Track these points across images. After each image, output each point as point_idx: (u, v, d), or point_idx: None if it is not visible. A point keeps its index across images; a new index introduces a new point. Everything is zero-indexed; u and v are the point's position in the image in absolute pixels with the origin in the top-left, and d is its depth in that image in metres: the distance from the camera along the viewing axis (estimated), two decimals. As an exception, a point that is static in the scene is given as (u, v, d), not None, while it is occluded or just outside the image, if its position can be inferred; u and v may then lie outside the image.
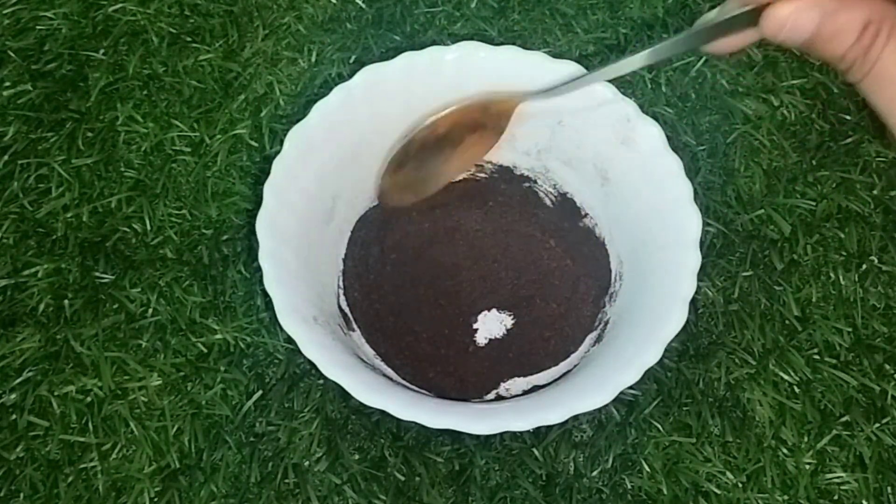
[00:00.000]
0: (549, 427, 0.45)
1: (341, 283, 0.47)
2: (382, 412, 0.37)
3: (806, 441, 0.45)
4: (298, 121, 0.43)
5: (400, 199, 0.48)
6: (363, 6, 0.55)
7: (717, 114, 0.53)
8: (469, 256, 0.49)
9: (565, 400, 0.38)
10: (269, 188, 0.41)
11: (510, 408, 0.40)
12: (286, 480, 0.44)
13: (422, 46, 0.44)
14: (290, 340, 0.46)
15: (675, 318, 0.39)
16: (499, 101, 0.44)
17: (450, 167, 0.47)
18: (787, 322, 0.48)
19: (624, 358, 0.39)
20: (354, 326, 0.47)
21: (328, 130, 0.43)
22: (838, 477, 0.45)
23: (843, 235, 0.50)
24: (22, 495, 0.44)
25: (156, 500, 0.44)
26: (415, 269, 0.49)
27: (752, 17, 0.33)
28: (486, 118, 0.45)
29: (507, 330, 0.47)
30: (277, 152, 0.42)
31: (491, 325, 0.47)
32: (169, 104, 0.53)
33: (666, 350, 0.39)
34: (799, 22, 0.31)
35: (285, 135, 0.42)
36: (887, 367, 0.47)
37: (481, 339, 0.47)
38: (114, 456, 0.45)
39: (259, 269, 0.40)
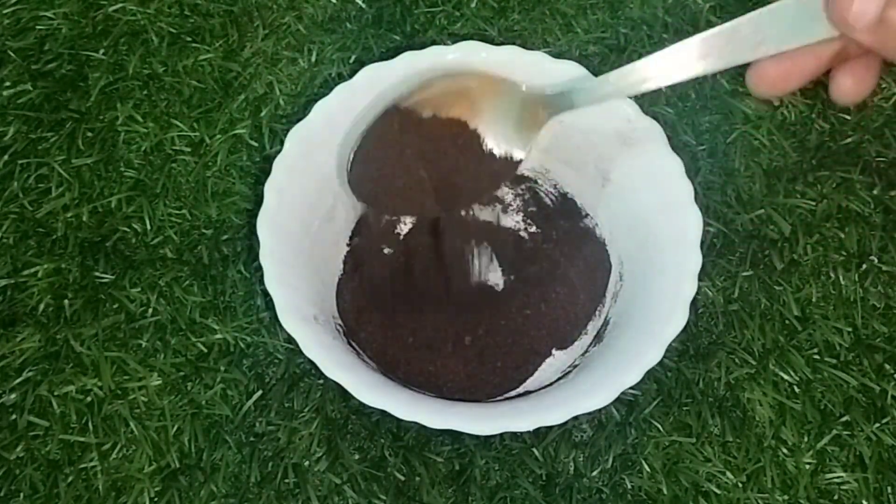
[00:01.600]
0: (549, 427, 0.45)
1: (340, 287, 0.47)
2: (382, 412, 0.37)
3: (806, 441, 0.45)
4: (298, 120, 0.43)
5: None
6: (363, 6, 0.55)
7: (717, 114, 0.53)
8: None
9: (566, 400, 0.38)
10: (269, 187, 0.41)
11: (511, 408, 0.40)
12: (286, 480, 0.44)
13: (422, 46, 0.44)
14: (290, 340, 0.46)
15: (676, 319, 0.39)
16: (528, 100, 0.39)
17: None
18: (787, 322, 0.48)
19: (625, 358, 0.39)
20: (354, 327, 0.46)
21: (329, 130, 0.43)
22: (838, 477, 0.45)
23: (843, 235, 0.50)
24: (22, 495, 0.44)
25: (156, 499, 0.44)
26: (413, 269, 0.49)
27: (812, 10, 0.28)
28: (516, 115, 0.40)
29: (507, 329, 0.47)
30: (277, 152, 0.42)
31: (491, 324, 0.47)
32: (169, 104, 0.53)
33: (666, 350, 0.39)
34: (865, 5, 0.27)
35: (285, 134, 0.42)
36: (887, 367, 0.47)
37: (481, 339, 0.47)
38: (114, 456, 0.45)
39: (259, 268, 0.40)
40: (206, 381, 0.46)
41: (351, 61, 0.54)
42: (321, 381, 0.46)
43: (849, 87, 0.34)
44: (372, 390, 0.37)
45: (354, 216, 0.48)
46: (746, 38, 0.33)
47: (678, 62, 0.35)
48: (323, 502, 0.44)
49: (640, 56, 0.54)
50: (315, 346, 0.38)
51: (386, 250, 0.49)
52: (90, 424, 0.45)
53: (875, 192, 0.51)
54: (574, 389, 0.40)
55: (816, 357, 0.47)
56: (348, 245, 0.48)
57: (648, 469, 0.45)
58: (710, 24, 0.54)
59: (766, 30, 0.32)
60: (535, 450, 0.45)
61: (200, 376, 0.46)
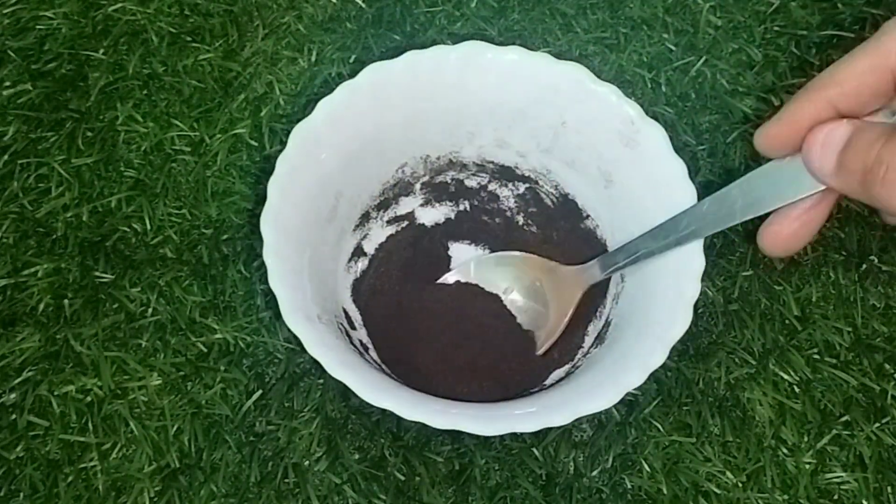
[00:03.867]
0: (550, 427, 0.45)
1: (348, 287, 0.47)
2: (383, 412, 0.37)
3: (806, 441, 0.45)
4: (298, 120, 0.43)
5: None
6: (363, 6, 0.55)
7: (717, 114, 0.53)
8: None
9: (570, 401, 0.38)
10: (273, 185, 0.41)
11: (515, 409, 0.40)
12: (286, 480, 0.44)
13: (422, 46, 0.44)
14: (290, 340, 0.46)
15: (680, 321, 0.39)
16: (565, 273, 0.45)
17: None
18: (787, 322, 0.48)
19: (629, 360, 0.39)
20: (357, 326, 0.46)
21: (332, 128, 0.43)
22: (838, 477, 0.45)
23: (843, 235, 0.50)
24: (22, 495, 0.44)
25: (156, 499, 0.44)
26: (415, 269, 0.49)
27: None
28: (553, 287, 0.46)
29: (508, 331, 0.47)
30: (277, 152, 0.42)
31: (491, 325, 0.47)
32: (169, 104, 0.53)
33: (666, 350, 0.39)
34: (829, 139, 0.30)
35: (285, 134, 0.42)
36: (887, 366, 0.47)
37: (481, 338, 0.47)
38: (114, 455, 0.45)
39: (259, 268, 0.40)
40: (205, 380, 0.46)
41: (351, 61, 0.54)
42: (321, 381, 0.46)
43: (783, 237, 0.36)
44: (376, 390, 0.37)
45: (357, 214, 0.48)
46: (733, 206, 0.36)
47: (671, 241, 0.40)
48: (323, 502, 0.44)
49: (639, 56, 0.54)
50: (319, 345, 0.38)
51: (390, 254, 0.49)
52: (90, 424, 0.45)
53: (875, 192, 0.51)
54: (578, 390, 0.40)
55: (816, 357, 0.47)
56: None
57: (648, 469, 0.45)
58: (709, 24, 0.55)
59: (755, 192, 0.35)
60: (535, 449, 0.45)
61: (200, 376, 0.46)
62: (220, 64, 0.54)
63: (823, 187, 0.34)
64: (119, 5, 0.55)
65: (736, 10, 0.55)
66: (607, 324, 0.45)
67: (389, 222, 0.50)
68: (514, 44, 0.45)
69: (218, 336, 0.47)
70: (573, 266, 0.46)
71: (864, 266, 0.49)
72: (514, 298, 0.48)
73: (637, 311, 0.43)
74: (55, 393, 0.46)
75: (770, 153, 0.33)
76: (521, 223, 0.50)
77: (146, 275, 0.48)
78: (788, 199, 0.35)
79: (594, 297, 0.47)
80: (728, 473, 0.45)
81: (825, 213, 0.36)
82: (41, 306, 0.48)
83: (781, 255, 0.37)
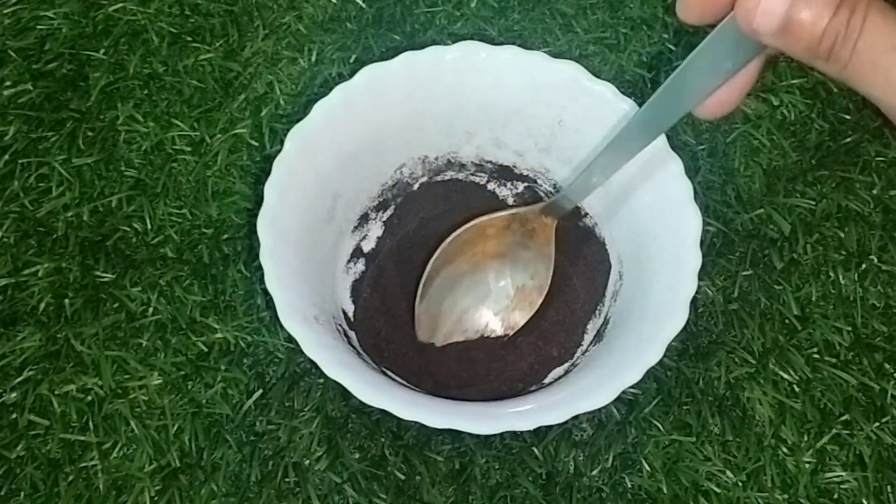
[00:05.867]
0: (550, 426, 0.45)
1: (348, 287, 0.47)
2: (382, 411, 0.37)
3: (806, 440, 0.45)
4: (299, 120, 0.43)
5: (431, 337, 0.47)
6: (363, 6, 0.56)
7: (717, 113, 0.53)
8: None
9: (567, 400, 0.38)
10: (269, 188, 0.41)
11: (511, 407, 0.40)
12: (286, 479, 0.44)
13: (422, 46, 0.44)
14: (290, 339, 0.46)
15: (676, 318, 0.39)
16: (530, 218, 0.44)
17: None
18: (786, 321, 0.48)
19: (625, 358, 0.39)
20: (355, 326, 0.47)
21: (329, 130, 0.43)
22: (838, 476, 0.45)
23: (842, 235, 0.50)
24: (22, 494, 0.44)
25: (156, 499, 0.44)
26: (414, 268, 0.49)
27: (737, 36, 0.31)
28: (527, 241, 0.45)
29: (507, 330, 0.47)
30: (278, 152, 0.42)
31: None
32: (169, 104, 0.53)
33: (666, 349, 0.39)
34: (770, 4, 0.29)
35: (285, 134, 0.42)
36: (887, 366, 0.47)
37: (480, 339, 0.47)
38: (114, 455, 0.45)
39: (259, 267, 0.40)
40: (206, 380, 0.46)
41: (351, 61, 0.54)
42: (321, 381, 0.46)
43: (714, 102, 0.36)
44: (373, 390, 0.37)
45: (355, 215, 0.48)
46: (684, 91, 0.35)
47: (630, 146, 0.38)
48: (323, 501, 0.44)
49: (639, 56, 0.54)
50: (316, 346, 0.38)
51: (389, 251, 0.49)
52: (91, 423, 0.45)
53: (875, 191, 0.51)
54: (574, 389, 0.40)
55: (816, 356, 0.47)
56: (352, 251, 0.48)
57: (648, 468, 0.45)
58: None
59: (699, 75, 0.34)
60: (535, 449, 0.45)
61: (201, 375, 0.46)
62: (221, 64, 0.54)
63: (761, 51, 0.33)
64: (119, 5, 0.55)
65: (736, 10, 0.55)
66: (606, 322, 0.46)
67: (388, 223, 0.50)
68: (514, 44, 0.45)
69: (218, 335, 0.47)
70: (535, 206, 0.45)
71: (864, 266, 0.49)
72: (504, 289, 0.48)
73: (635, 308, 0.43)
74: (56, 392, 0.46)
75: (693, 22, 0.33)
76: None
77: (147, 274, 0.48)
78: (730, 71, 0.34)
79: (593, 295, 0.47)
80: (728, 473, 0.45)
81: (754, 74, 0.36)
82: (42, 306, 0.48)
83: (715, 119, 0.37)
